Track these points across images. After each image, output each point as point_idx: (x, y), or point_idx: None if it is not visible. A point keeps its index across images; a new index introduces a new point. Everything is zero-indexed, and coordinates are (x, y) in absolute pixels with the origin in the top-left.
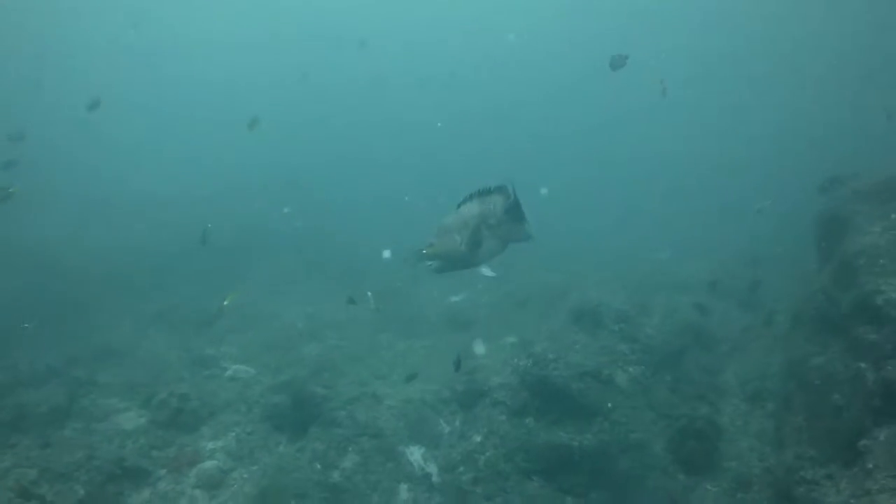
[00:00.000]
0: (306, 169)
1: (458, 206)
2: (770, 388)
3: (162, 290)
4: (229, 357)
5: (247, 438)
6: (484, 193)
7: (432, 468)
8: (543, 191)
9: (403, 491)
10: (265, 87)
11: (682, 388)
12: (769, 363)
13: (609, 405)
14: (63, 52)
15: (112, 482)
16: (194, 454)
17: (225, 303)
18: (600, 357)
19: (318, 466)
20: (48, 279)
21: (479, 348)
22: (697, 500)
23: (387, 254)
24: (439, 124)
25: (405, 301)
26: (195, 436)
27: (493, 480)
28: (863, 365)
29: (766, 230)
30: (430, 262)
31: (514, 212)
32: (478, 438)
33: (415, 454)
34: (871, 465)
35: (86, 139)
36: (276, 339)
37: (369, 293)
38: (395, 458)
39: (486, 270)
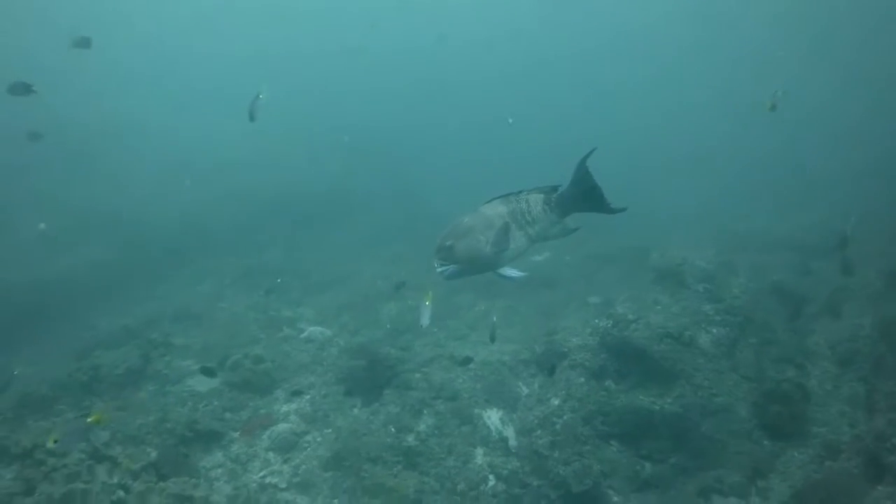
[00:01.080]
0: (388, 133)
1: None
2: (862, 350)
3: (241, 252)
4: (306, 318)
5: (321, 401)
6: (511, 194)
7: (509, 432)
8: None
9: (479, 455)
10: (331, 55)
11: (768, 350)
12: (861, 325)
13: (691, 368)
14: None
15: (184, 445)
16: (267, 417)
17: (278, 280)
18: (682, 318)
19: (393, 430)
20: (130, 243)
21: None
22: (783, 466)
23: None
24: (510, 120)
25: None
26: (269, 398)
27: (570, 445)
28: None
29: (854, 189)
30: (443, 267)
31: (581, 199)
32: (556, 402)
33: (492, 417)
34: None
35: (163, 105)
36: (354, 300)
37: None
38: (471, 421)
39: (511, 272)
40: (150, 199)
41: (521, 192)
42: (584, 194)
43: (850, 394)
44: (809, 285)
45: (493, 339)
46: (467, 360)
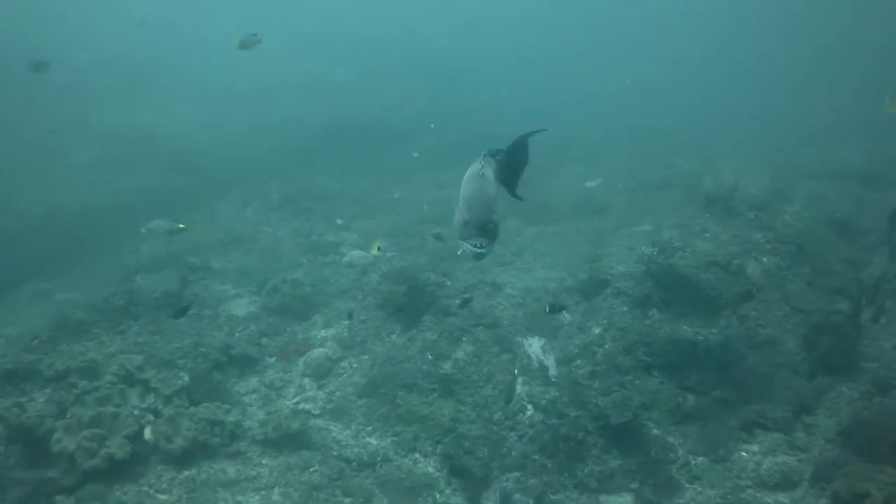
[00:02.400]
0: (443, 61)
1: (474, 174)
2: None
3: (291, 177)
4: (349, 243)
5: (359, 327)
6: (486, 155)
7: (550, 361)
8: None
9: (518, 384)
10: None
11: (820, 280)
12: None
13: (738, 298)
14: None
15: (218, 369)
16: (304, 343)
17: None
18: (731, 246)
19: (429, 357)
20: (179, 168)
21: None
22: (830, 402)
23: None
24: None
25: (537, 186)
26: (307, 324)
27: (610, 375)
28: None
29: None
30: (485, 248)
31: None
32: (597, 330)
33: (533, 346)
34: None
35: (223, 33)
36: (399, 224)
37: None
38: (511, 349)
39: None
40: (199, 125)
41: (486, 154)
42: (510, 167)
43: None
44: (866, 216)
45: (508, 401)
46: (466, 303)
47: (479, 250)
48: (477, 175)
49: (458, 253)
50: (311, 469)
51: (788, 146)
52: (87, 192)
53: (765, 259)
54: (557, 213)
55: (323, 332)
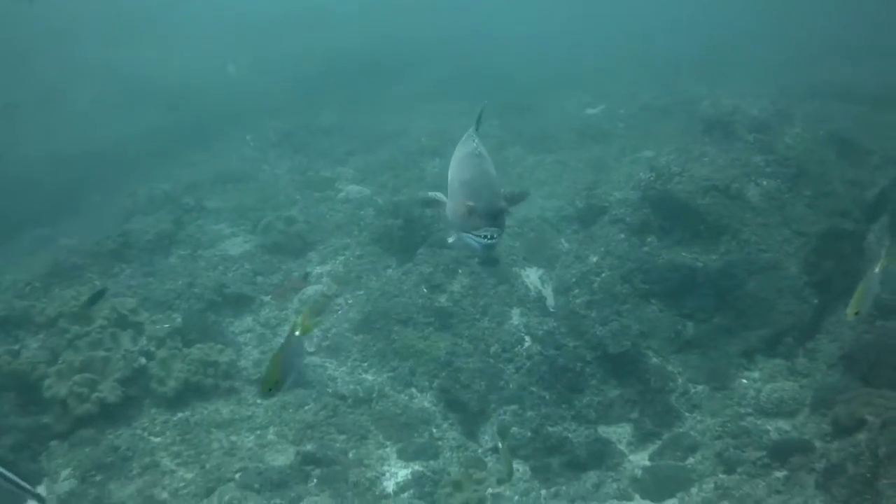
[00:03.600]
0: None
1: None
2: None
3: (292, 113)
4: (346, 178)
5: (355, 262)
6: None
7: (547, 291)
8: None
9: (515, 315)
10: None
11: (822, 203)
12: None
13: (738, 222)
14: None
15: (212, 310)
16: (300, 280)
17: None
18: (730, 170)
19: (425, 290)
20: (179, 107)
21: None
22: (832, 327)
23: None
24: None
25: (538, 114)
26: (302, 261)
27: (607, 304)
28: None
29: None
30: (496, 238)
31: None
32: (594, 259)
33: (531, 276)
34: None
35: None
36: (397, 157)
37: None
38: (508, 280)
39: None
40: (199, 63)
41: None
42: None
43: None
44: (872, 136)
45: (508, 478)
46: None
47: (490, 241)
48: (473, 154)
49: (450, 241)
50: (306, 407)
51: (796, 66)
52: (88, 135)
53: (764, 182)
54: (558, 141)
55: (318, 268)
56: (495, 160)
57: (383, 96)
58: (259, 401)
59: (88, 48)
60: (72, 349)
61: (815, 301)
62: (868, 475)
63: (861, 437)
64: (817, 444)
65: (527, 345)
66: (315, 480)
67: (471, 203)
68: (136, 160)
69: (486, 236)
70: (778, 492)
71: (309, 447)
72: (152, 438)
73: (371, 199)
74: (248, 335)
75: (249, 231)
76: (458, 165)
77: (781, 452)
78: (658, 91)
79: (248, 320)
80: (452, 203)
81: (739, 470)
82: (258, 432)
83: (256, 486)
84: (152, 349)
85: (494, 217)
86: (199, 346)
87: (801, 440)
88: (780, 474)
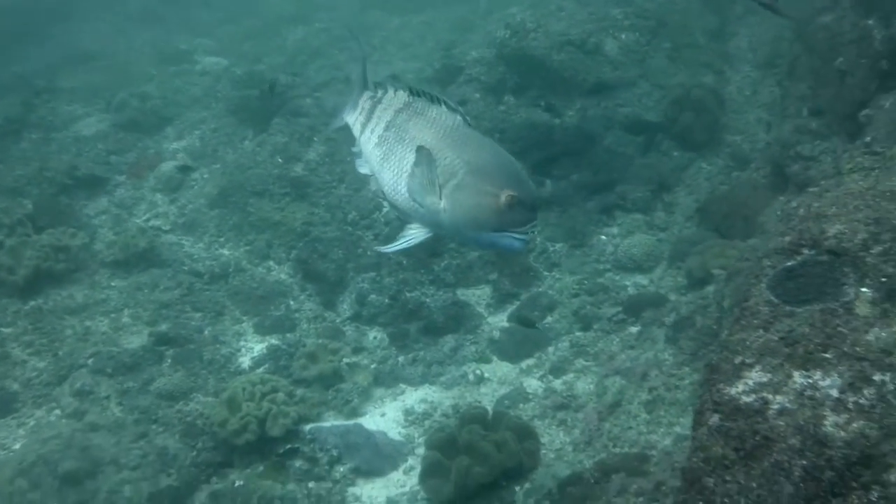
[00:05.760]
0: None
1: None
2: (785, 52)
3: None
4: (204, 49)
5: (211, 136)
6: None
7: None
8: None
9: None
10: None
11: (683, 54)
12: (787, 24)
13: (594, 77)
14: None
15: (65, 193)
16: (155, 157)
17: None
18: (587, 24)
19: (280, 160)
20: None
21: None
22: (690, 179)
23: None
24: None
25: None
26: (158, 137)
27: None
28: (871, 22)
29: None
30: (528, 231)
31: None
32: None
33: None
34: (869, 139)
35: None
36: (259, 26)
37: None
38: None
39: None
40: None
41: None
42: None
43: (769, 99)
44: None
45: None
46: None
47: (528, 237)
48: (465, 126)
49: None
50: (161, 287)
51: None
52: None
53: (623, 36)
54: (424, 1)
55: (175, 144)
56: (359, 24)
57: None
58: (113, 284)
59: None
60: None
61: (675, 154)
62: (714, 327)
63: (709, 288)
64: (672, 297)
65: (385, 210)
66: (169, 361)
67: (513, 193)
68: None
69: (528, 231)
70: (631, 347)
71: (163, 327)
72: (2, 329)
73: (229, 71)
74: (104, 217)
75: (103, 110)
76: (453, 145)
77: (636, 307)
78: None
79: (103, 201)
80: (475, 197)
81: (595, 327)
82: (112, 315)
83: (109, 370)
84: (1, 238)
85: (535, 208)
86: (49, 230)
87: (656, 294)
88: (634, 329)
